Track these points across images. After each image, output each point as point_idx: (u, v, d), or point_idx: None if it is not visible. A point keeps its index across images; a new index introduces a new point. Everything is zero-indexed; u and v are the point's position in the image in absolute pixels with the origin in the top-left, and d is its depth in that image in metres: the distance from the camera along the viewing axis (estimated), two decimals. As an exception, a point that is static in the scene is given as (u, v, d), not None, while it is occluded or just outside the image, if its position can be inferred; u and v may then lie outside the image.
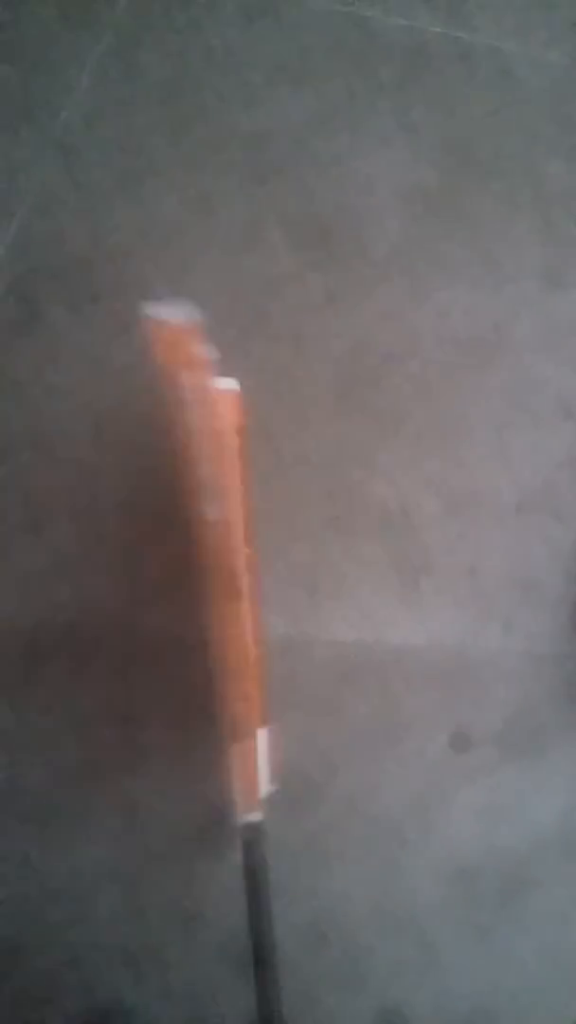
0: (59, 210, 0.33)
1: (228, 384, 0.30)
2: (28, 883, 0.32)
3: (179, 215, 0.33)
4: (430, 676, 0.34)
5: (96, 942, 0.32)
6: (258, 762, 0.29)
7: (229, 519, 0.28)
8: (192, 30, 0.34)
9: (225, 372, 0.32)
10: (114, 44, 0.33)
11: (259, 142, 0.34)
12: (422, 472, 0.35)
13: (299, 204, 0.34)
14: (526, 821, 0.35)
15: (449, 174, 0.35)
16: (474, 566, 0.35)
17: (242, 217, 0.34)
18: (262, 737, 0.29)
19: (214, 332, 0.33)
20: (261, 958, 0.28)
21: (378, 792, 0.34)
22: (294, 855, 0.34)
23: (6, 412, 0.32)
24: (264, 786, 0.30)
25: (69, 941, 0.32)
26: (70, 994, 0.32)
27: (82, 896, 0.32)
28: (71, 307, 0.32)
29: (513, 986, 0.35)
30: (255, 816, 0.28)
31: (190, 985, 0.32)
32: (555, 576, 0.35)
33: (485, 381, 0.35)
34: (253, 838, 0.28)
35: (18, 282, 0.32)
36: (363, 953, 0.34)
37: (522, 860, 0.35)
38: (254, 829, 0.28)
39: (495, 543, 0.35)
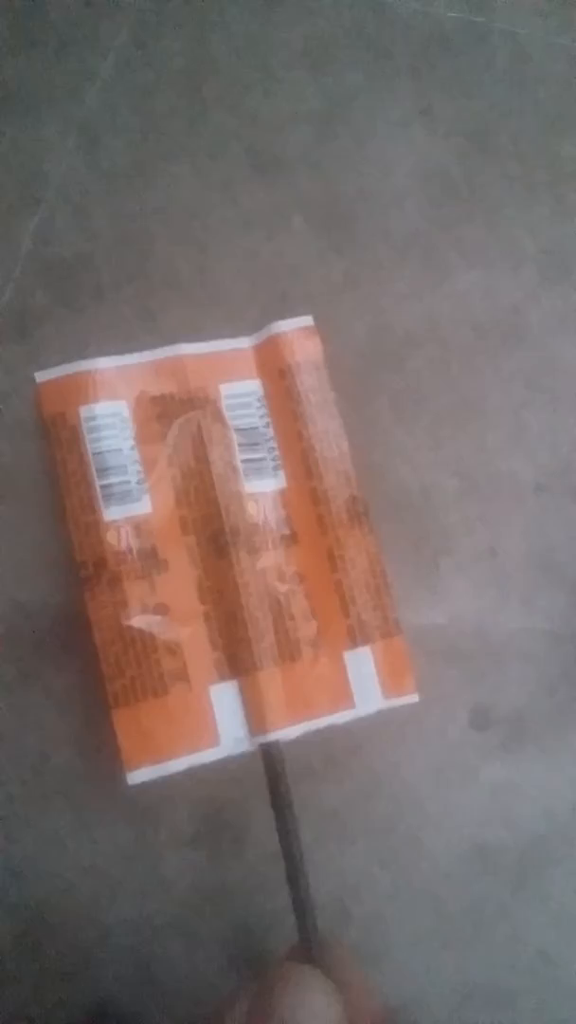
0: (83, 196, 0.33)
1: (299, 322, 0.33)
2: (59, 859, 0.32)
3: (201, 200, 0.34)
4: (450, 655, 0.35)
5: (126, 918, 0.32)
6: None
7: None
8: (212, 17, 0.34)
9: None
10: (136, 31, 0.33)
11: (279, 127, 0.34)
12: (441, 453, 0.35)
13: (319, 188, 0.35)
14: (544, 799, 0.36)
15: (467, 157, 0.36)
16: (493, 546, 0.35)
17: (263, 202, 0.34)
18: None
19: (235, 316, 0.34)
20: (293, 871, 0.29)
21: (400, 769, 0.34)
22: (318, 832, 0.34)
23: (35, 398, 0.33)
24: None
25: (98, 917, 0.32)
26: (99, 969, 0.32)
27: (111, 872, 0.32)
28: (96, 293, 0.33)
29: (532, 963, 0.36)
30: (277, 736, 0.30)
31: (214, 962, 0.33)
32: (574, 556, 0.36)
33: (504, 363, 0.35)
34: (274, 755, 0.30)
35: (43, 268, 0.33)
36: (385, 928, 0.34)
37: (540, 838, 0.36)
38: (275, 748, 0.30)
39: (514, 524, 0.35)
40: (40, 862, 0.32)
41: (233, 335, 0.33)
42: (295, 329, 0.33)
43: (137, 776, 0.30)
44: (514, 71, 0.36)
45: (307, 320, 0.33)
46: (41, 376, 0.32)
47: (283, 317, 0.33)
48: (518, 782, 0.35)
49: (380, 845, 0.34)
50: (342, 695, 0.32)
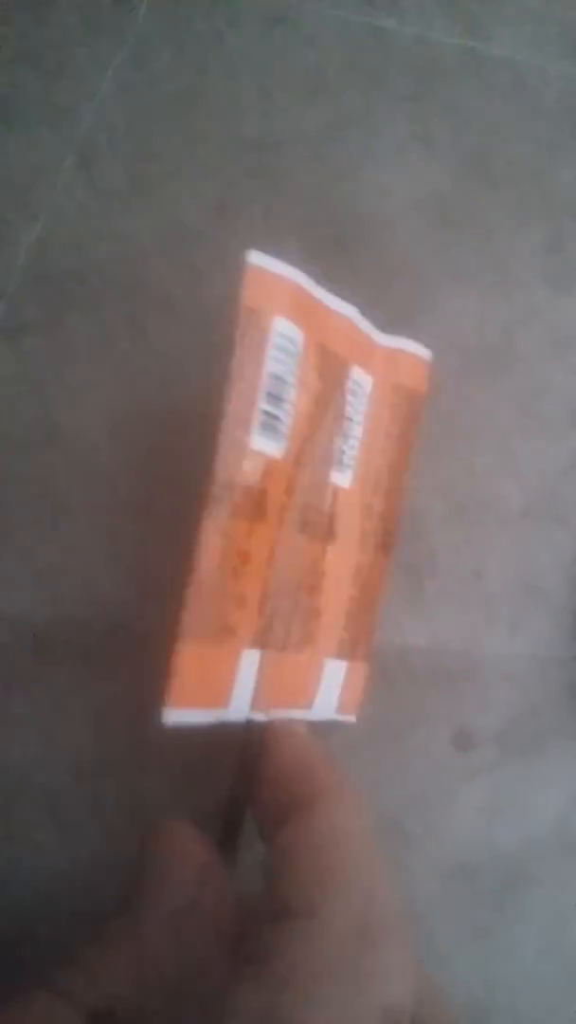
0: (79, 215, 0.33)
1: (412, 346, 0.33)
2: (39, 871, 0.32)
3: (196, 222, 0.34)
4: (434, 676, 0.35)
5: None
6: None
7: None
8: (212, 39, 0.34)
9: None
10: (135, 52, 0.34)
11: (276, 150, 0.35)
12: (430, 477, 0.35)
13: (314, 211, 0.35)
14: (526, 820, 0.36)
15: (462, 183, 0.36)
16: (479, 570, 0.35)
17: (258, 224, 0.34)
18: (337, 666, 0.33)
19: (228, 338, 0.34)
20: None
21: (381, 789, 0.35)
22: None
23: (25, 410, 0.33)
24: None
25: (79, 931, 0.33)
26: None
27: (91, 885, 0.32)
28: (89, 310, 0.33)
29: (511, 982, 0.36)
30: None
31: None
32: (559, 581, 0.36)
33: (494, 388, 0.36)
34: (255, 732, 0.30)
35: (38, 284, 0.33)
36: (364, 946, 0.34)
37: (521, 858, 0.36)
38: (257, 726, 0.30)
39: (501, 548, 0.35)
40: (21, 872, 0.32)
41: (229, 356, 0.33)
42: (418, 355, 0.33)
43: (172, 716, 0.28)
44: (512, 98, 0.36)
45: (426, 352, 0.33)
46: (255, 259, 0.28)
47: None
48: (500, 804, 0.36)
49: (360, 864, 0.34)
50: (307, 695, 0.32)
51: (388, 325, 0.35)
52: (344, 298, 0.35)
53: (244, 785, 0.30)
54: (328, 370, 0.31)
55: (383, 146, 0.35)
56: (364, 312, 0.35)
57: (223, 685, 0.30)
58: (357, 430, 0.32)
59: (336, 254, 0.35)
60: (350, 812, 0.25)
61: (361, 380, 0.32)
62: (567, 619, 0.36)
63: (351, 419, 0.32)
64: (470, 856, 0.35)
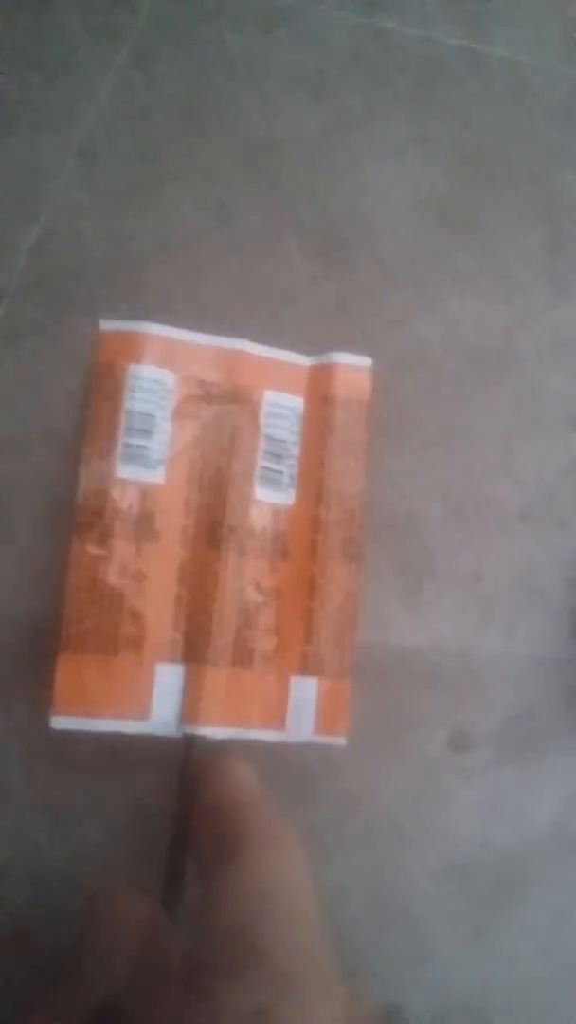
0: (79, 216, 0.33)
1: (355, 360, 0.34)
2: (39, 868, 0.32)
3: (196, 222, 0.34)
4: (431, 677, 0.35)
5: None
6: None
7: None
8: (212, 40, 0.34)
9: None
10: (136, 53, 0.34)
11: (276, 151, 0.35)
12: (428, 479, 0.35)
13: (314, 213, 0.35)
14: (522, 821, 0.36)
15: (462, 185, 0.36)
16: (477, 571, 0.35)
17: (258, 225, 0.34)
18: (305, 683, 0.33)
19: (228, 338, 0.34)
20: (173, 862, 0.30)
21: (378, 789, 0.35)
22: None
23: (25, 412, 0.33)
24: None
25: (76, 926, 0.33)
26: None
27: (90, 883, 0.33)
28: (89, 311, 0.33)
29: (507, 982, 0.36)
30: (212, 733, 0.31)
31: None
32: (557, 582, 0.36)
33: (493, 390, 0.36)
34: (193, 747, 0.31)
35: (38, 285, 0.33)
36: (360, 946, 0.35)
37: (518, 859, 0.36)
38: (199, 741, 0.31)
39: (499, 549, 0.36)
40: (20, 869, 0.32)
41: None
42: (352, 365, 0.34)
43: (61, 722, 0.30)
44: (513, 99, 0.37)
45: (366, 361, 0.34)
46: (105, 325, 0.32)
47: (275, 340, 0.34)
48: (496, 804, 0.36)
49: (357, 864, 0.34)
50: (277, 715, 0.32)
51: (388, 325, 0.35)
52: (345, 298, 0.35)
53: (185, 820, 0.30)
54: (216, 399, 0.33)
55: (383, 147, 0.35)
56: (364, 313, 0.35)
57: (135, 697, 0.31)
58: (294, 449, 0.34)
59: (336, 254, 0.35)
60: (275, 862, 0.25)
61: (284, 402, 0.34)
62: (564, 620, 0.36)
63: (283, 440, 0.33)
64: (467, 856, 0.35)
